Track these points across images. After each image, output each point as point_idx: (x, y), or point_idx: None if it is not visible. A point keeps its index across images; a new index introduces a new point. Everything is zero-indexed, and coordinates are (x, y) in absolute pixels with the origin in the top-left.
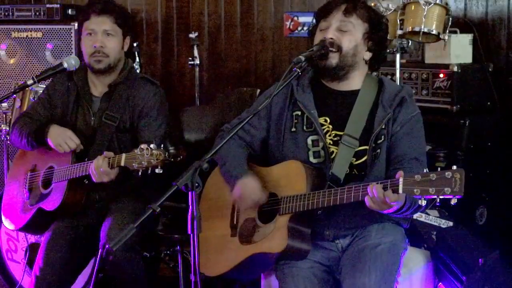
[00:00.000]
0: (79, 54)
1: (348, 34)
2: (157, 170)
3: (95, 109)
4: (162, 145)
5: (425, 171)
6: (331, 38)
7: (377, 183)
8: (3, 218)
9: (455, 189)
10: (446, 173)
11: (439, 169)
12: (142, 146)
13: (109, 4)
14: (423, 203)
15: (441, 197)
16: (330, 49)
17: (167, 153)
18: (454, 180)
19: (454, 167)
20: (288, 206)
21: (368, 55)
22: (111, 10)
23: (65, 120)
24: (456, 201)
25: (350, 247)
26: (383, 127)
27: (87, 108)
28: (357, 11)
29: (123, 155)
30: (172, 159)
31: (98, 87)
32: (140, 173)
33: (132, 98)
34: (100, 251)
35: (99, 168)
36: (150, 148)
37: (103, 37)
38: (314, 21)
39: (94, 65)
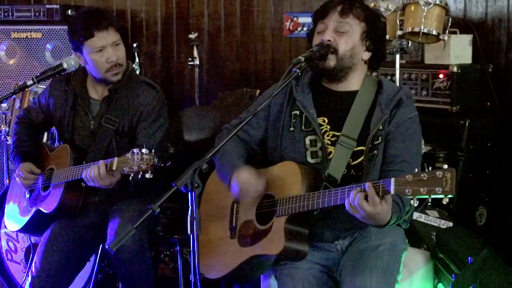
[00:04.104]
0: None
1: (345, 35)
2: (147, 175)
3: (94, 113)
4: (153, 150)
5: (415, 171)
6: (329, 40)
7: (369, 183)
8: (4, 218)
9: (446, 189)
10: (437, 173)
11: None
12: (134, 150)
13: (107, 15)
14: (415, 203)
15: (432, 197)
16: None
17: (156, 158)
18: (445, 180)
19: (445, 166)
20: (284, 207)
21: (367, 55)
22: (111, 21)
23: (63, 124)
24: (447, 200)
25: (350, 248)
26: (380, 128)
27: (85, 112)
28: (354, 11)
29: (115, 159)
30: (162, 165)
31: (98, 90)
32: (131, 178)
33: (132, 102)
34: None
35: (99, 176)
36: (141, 152)
37: (113, 49)
38: (312, 23)
39: (112, 78)
